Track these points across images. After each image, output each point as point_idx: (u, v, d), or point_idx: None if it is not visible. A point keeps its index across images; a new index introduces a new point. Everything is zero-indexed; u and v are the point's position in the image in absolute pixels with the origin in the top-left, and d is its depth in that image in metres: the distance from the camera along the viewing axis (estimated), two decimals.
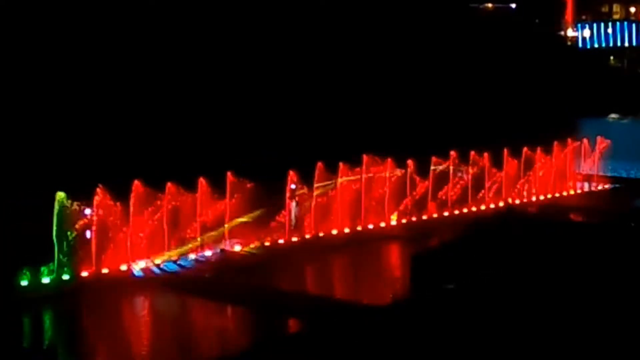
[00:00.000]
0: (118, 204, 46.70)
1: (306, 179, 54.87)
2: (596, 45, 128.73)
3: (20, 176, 54.79)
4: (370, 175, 57.36)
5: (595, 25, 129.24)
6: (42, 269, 43.93)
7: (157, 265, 47.74)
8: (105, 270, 46.26)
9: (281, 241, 53.49)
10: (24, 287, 43.60)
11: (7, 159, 57.33)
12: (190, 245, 49.77)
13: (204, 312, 44.18)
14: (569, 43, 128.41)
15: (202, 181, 50.34)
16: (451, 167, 61.57)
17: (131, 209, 47.42)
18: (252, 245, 51.77)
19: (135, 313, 44.68)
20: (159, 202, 48.68)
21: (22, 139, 61.64)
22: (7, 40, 67.59)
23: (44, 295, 43.32)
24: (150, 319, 43.93)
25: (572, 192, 72.50)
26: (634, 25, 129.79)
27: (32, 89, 66.11)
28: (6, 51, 66.79)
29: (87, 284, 45.00)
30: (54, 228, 44.41)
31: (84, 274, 45.64)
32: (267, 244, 52.78)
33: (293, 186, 54.59)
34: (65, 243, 44.65)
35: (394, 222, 58.00)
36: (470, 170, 63.03)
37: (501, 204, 64.85)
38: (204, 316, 43.70)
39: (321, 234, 55.44)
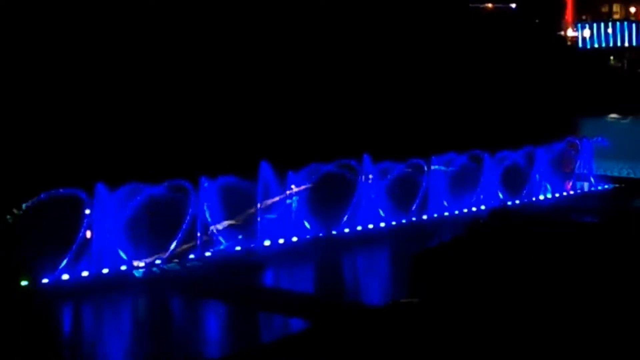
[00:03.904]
0: None
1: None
2: (596, 45, 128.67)
3: (19, 176, 54.78)
4: None
5: (595, 25, 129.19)
6: None
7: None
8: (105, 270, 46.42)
9: (282, 241, 53.63)
10: None
11: (6, 159, 57.34)
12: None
13: (204, 312, 44.22)
14: (569, 43, 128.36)
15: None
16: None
17: None
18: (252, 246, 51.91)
19: (136, 312, 44.74)
20: None
21: (21, 138, 61.65)
22: (7, 41, 67.61)
23: None
24: (151, 319, 43.99)
25: (571, 192, 72.59)
26: (634, 25, 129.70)
27: (31, 89, 66.12)
28: (6, 51, 66.82)
29: None
30: None
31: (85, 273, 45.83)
32: (267, 243, 52.94)
33: (293, 186, 54.80)
34: None
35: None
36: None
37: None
38: (204, 316, 43.74)
39: (320, 234, 55.70)
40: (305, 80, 79.51)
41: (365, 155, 58.34)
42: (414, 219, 60.40)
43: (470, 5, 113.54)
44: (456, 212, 63.00)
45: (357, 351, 35.33)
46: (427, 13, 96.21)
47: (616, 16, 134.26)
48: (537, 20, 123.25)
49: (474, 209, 63.92)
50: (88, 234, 46.19)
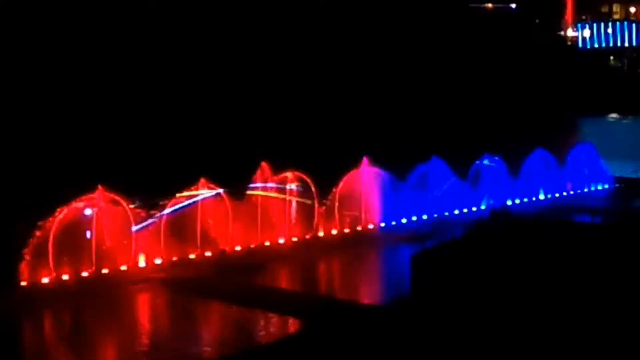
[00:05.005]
0: None
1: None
2: (596, 45, 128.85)
3: (20, 176, 54.78)
4: None
5: (595, 25, 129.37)
6: None
7: None
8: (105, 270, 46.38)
9: (281, 241, 53.57)
10: None
11: (6, 159, 57.31)
12: None
13: (204, 312, 44.19)
14: (569, 43, 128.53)
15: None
16: None
17: None
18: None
19: (134, 312, 44.72)
20: None
21: (21, 138, 61.65)
22: (7, 40, 67.63)
23: None
24: (151, 319, 43.98)
25: (571, 192, 72.55)
26: (634, 25, 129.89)
27: (31, 89, 66.13)
28: (6, 51, 66.83)
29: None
30: None
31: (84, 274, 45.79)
32: (266, 243, 52.92)
33: (293, 186, 54.75)
34: None
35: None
36: None
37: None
38: (204, 316, 43.73)
39: (321, 234, 55.64)
40: (304, 81, 79.52)
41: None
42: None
43: (470, 5, 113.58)
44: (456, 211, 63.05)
45: (356, 351, 35.32)
46: (428, 13, 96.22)
47: (616, 16, 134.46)
48: (537, 20, 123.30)
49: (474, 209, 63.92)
50: (88, 234, 46.13)
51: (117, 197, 46.98)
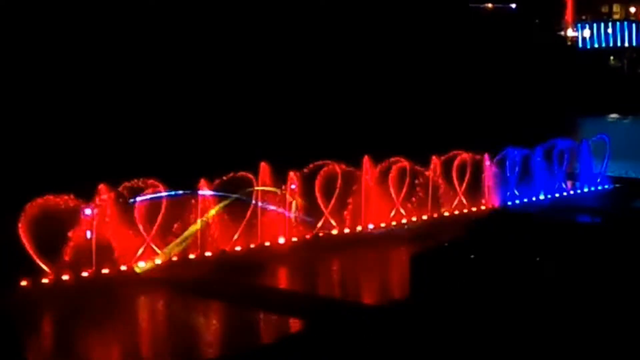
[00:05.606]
0: None
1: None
2: (596, 45, 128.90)
3: (18, 176, 54.79)
4: None
5: (595, 25, 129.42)
6: None
7: None
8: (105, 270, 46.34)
9: (282, 241, 53.53)
10: None
11: (6, 159, 57.31)
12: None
13: (204, 312, 44.19)
14: (569, 43, 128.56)
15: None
16: None
17: None
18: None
19: (134, 312, 44.72)
20: None
21: (20, 138, 61.66)
22: (7, 40, 67.66)
23: None
24: (149, 319, 43.97)
25: (571, 192, 72.52)
26: (634, 25, 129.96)
27: (31, 89, 66.17)
28: (6, 51, 66.86)
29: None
30: None
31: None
32: (267, 243, 52.89)
33: (293, 186, 54.70)
34: None
35: None
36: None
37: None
38: (204, 316, 43.72)
39: (320, 234, 55.57)
40: (305, 80, 79.56)
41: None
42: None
43: (470, 5, 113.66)
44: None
45: (355, 351, 35.34)
46: (428, 13, 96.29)
47: (616, 16, 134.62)
48: (537, 20, 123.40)
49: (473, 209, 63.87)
50: (88, 234, 46.07)
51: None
